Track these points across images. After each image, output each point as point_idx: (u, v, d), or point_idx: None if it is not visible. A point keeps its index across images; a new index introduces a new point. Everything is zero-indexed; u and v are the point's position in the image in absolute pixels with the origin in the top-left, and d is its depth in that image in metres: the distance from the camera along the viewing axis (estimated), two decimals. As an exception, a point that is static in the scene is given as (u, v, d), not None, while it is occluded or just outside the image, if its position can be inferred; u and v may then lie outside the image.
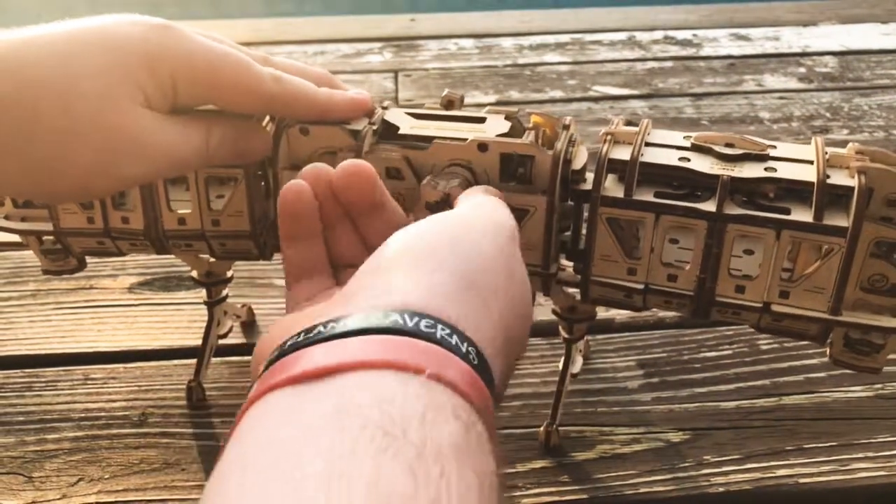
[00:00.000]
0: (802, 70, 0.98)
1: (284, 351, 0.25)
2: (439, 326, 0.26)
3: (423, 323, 0.25)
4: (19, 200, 0.47)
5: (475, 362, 0.26)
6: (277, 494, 0.19)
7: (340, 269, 0.36)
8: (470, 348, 0.26)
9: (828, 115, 0.88)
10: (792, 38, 1.07)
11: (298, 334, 0.26)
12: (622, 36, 1.08)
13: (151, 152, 0.38)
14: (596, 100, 0.92)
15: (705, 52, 1.03)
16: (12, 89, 0.35)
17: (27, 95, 0.35)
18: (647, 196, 0.40)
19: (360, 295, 0.28)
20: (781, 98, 0.92)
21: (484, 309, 0.28)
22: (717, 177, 0.39)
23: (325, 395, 0.22)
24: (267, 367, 0.25)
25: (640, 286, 0.41)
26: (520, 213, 0.41)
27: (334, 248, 0.36)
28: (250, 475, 0.20)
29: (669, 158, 0.40)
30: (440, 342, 0.25)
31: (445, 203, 0.38)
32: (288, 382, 0.23)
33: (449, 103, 0.44)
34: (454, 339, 0.26)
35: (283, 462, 0.20)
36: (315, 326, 0.26)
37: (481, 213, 0.34)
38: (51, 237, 0.47)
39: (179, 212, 0.45)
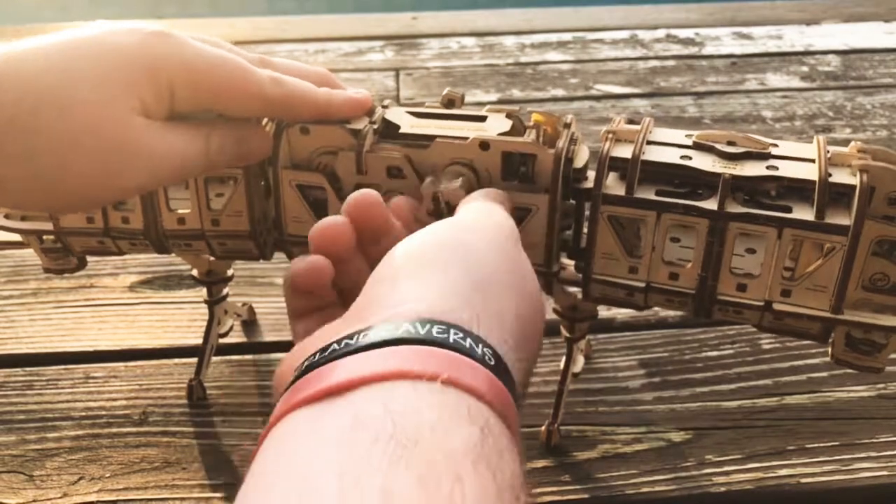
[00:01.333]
0: (805, 69, 0.98)
1: (302, 371, 0.26)
2: (452, 331, 0.26)
3: (434, 329, 0.25)
4: (23, 211, 0.47)
5: (491, 363, 0.26)
6: None
7: (346, 291, 0.36)
8: (485, 349, 0.26)
9: (830, 114, 0.88)
10: (794, 37, 1.06)
11: (315, 354, 0.26)
12: (624, 34, 1.08)
13: (151, 161, 0.38)
14: (598, 98, 0.92)
15: (707, 50, 1.03)
16: (12, 102, 0.34)
17: (26, 107, 0.35)
18: (649, 194, 0.40)
19: (370, 308, 0.28)
20: (784, 97, 0.92)
21: (495, 309, 0.28)
22: (718, 175, 0.39)
23: (339, 411, 0.23)
24: (287, 389, 0.26)
25: (642, 284, 0.41)
26: (522, 212, 0.41)
27: (343, 277, 0.36)
28: (270, 493, 0.21)
29: (671, 157, 0.40)
30: (454, 346, 0.25)
31: (439, 203, 0.39)
32: (305, 402, 0.24)
33: (450, 102, 0.44)
34: (468, 342, 0.26)
35: (299, 478, 0.21)
36: (330, 345, 0.26)
37: (479, 216, 0.35)
38: (51, 236, 0.47)
39: (179, 211, 0.45)
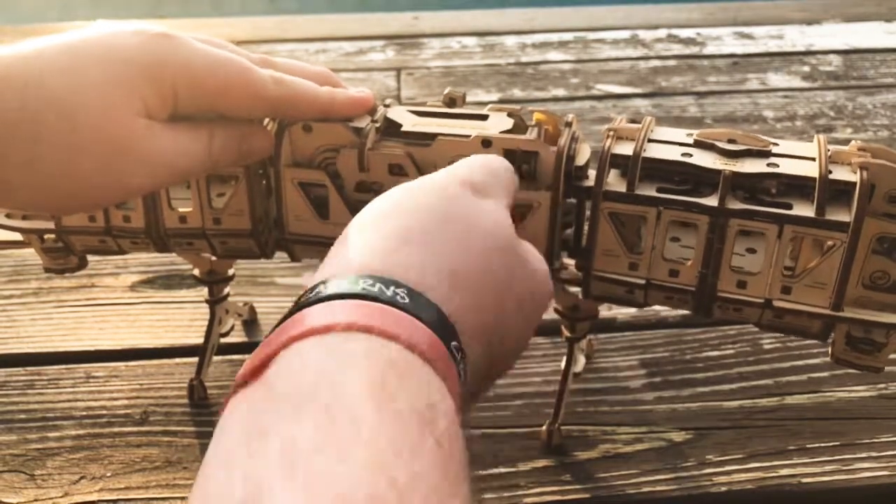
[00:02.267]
0: (806, 69, 0.98)
1: (293, 310, 0.29)
2: (362, 281, 0.28)
3: (360, 284, 0.28)
4: (27, 213, 0.47)
5: (404, 301, 0.27)
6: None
7: None
8: (397, 290, 0.28)
9: (832, 113, 0.88)
10: (796, 37, 1.06)
11: (302, 294, 0.29)
12: (625, 34, 1.08)
13: (154, 162, 0.38)
14: (599, 98, 0.92)
15: (709, 50, 1.03)
16: (16, 105, 0.35)
17: (30, 110, 0.35)
18: (650, 191, 0.40)
19: (331, 262, 0.30)
20: (785, 97, 0.92)
21: (421, 256, 0.30)
22: (719, 172, 0.39)
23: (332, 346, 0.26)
24: (286, 317, 0.28)
25: (642, 281, 0.41)
26: (523, 209, 0.41)
27: None
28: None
29: (672, 154, 0.40)
30: (363, 295, 0.27)
31: None
32: (300, 337, 0.27)
33: (451, 101, 0.44)
34: (377, 287, 0.28)
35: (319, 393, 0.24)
36: (307, 291, 0.29)
37: (439, 172, 0.35)
38: (52, 235, 0.47)
39: (181, 210, 0.45)
